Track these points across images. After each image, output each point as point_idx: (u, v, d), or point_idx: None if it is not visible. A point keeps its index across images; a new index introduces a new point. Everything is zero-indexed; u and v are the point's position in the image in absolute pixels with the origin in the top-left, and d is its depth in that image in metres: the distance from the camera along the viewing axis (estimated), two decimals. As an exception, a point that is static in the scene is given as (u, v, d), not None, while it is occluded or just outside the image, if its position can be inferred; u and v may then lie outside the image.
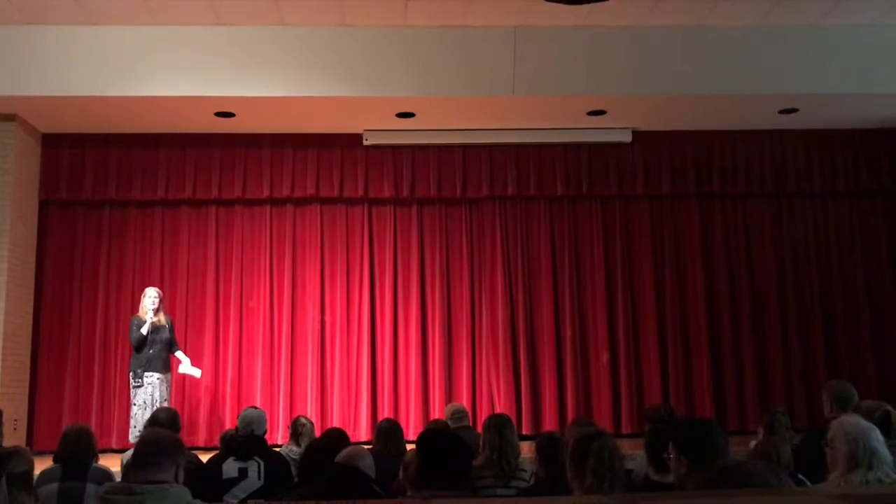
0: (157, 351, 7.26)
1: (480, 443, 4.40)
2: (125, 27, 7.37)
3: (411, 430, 7.67)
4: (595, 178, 8.83)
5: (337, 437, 4.23)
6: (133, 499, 2.78)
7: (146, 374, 7.16)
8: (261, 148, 8.63)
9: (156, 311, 7.32)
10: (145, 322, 7.23)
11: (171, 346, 7.44)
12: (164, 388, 7.25)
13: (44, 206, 8.49)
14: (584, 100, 7.89)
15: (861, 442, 3.05)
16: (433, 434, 3.05)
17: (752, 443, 5.31)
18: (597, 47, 7.64)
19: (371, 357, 8.55)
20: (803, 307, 8.83)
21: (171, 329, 7.51)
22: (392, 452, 4.71)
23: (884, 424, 3.76)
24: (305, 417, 5.97)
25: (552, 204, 8.94)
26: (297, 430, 5.67)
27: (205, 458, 4.86)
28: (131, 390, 7.23)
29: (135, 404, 7.15)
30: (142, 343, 7.20)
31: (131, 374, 7.25)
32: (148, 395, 7.13)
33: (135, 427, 7.01)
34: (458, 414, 6.00)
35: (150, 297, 7.35)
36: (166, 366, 7.36)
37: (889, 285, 8.89)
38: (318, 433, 5.67)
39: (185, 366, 7.53)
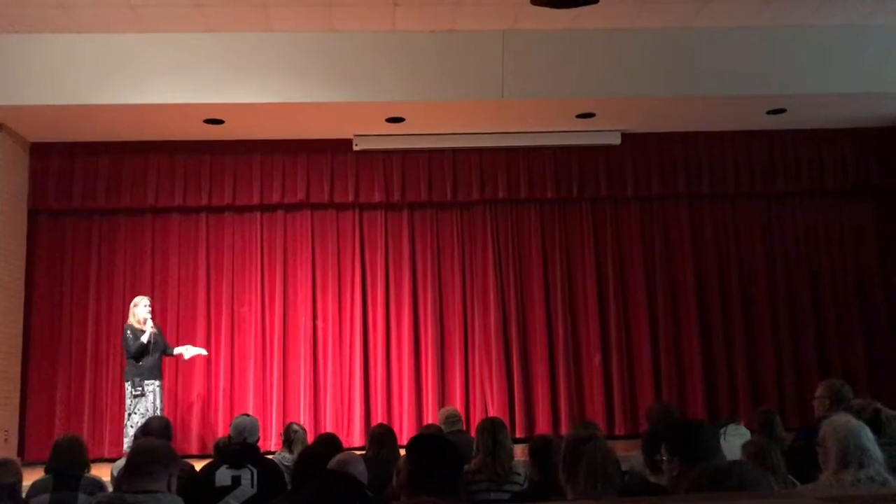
0: (155, 359, 7.28)
1: (474, 447, 4.40)
2: (113, 35, 7.35)
3: (405, 435, 7.65)
4: (585, 181, 8.85)
5: (329, 443, 4.22)
6: (125, 509, 2.78)
7: (146, 382, 7.16)
8: (250, 154, 8.61)
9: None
10: (143, 331, 7.22)
11: (165, 351, 7.45)
12: (161, 395, 7.28)
13: (33, 215, 8.45)
14: (574, 103, 7.91)
15: (852, 441, 3.06)
16: (423, 439, 3.04)
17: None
18: (585, 50, 7.66)
19: (364, 362, 8.54)
20: (793, 306, 8.87)
21: (162, 334, 7.51)
22: (385, 458, 4.70)
23: (874, 422, 3.77)
24: (298, 424, 5.96)
25: (543, 207, 8.95)
26: (289, 436, 5.66)
27: (198, 465, 4.85)
28: (129, 399, 7.18)
29: (136, 413, 7.11)
30: (142, 352, 7.19)
31: (129, 383, 7.20)
32: (149, 403, 7.13)
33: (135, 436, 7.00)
34: (452, 418, 6.00)
35: (145, 306, 7.35)
36: (161, 373, 7.38)
37: (878, 283, 8.94)
38: (311, 440, 5.67)
39: (190, 350, 7.56)
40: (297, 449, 5.25)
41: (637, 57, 7.66)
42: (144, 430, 5.16)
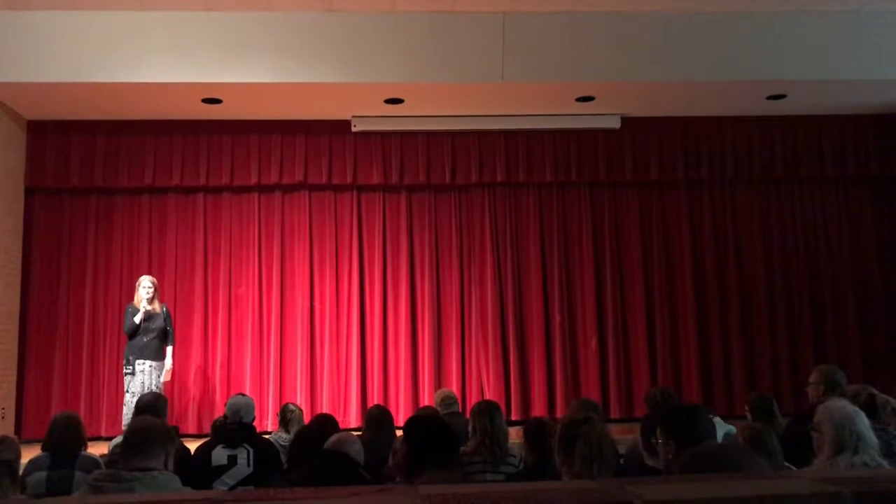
0: (149, 339, 7.26)
1: (470, 429, 4.41)
2: (111, 12, 7.30)
3: (401, 416, 7.67)
4: (584, 165, 8.83)
5: (325, 424, 4.24)
6: (122, 486, 2.78)
7: (138, 361, 7.17)
8: (248, 134, 8.58)
9: (150, 300, 7.32)
10: (139, 310, 7.22)
11: (165, 336, 7.43)
12: (155, 375, 7.25)
13: (30, 193, 8.43)
14: (573, 86, 7.88)
15: (847, 426, 3.07)
16: (419, 420, 3.06)
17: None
18: (585, 33, 7.62)
19: (360, 344, 8.55)
20: (791, 292, 8.89)
21: (168, 319, 7.49)
22: (382, 439, 4.71)
23: (868, 408, 3.79)
24: (294, 404, 5.98)
25: (541, 190, 8.94)
26: (285, 416, 5.68)
27: (195, 445, 4.86)
28: (124, 377, 7.22)
29: (127, 392, 7.15)
30: (134, 331, 7.20)
31: (125, 361, 7.24)
32: (139, 382, 7.13)
33: (127, 415, 7.01)
34: (448, 400, 6.01)
35: (143, 287, 7.34)
36: (159, 354, 7.34)
37: (875, 270, 8.95)
38: (307, 420, 5.68)
39: (166, 366, 7.48)
40: (294, 429, 5.27)
41: (637, 41, 7.63)
42: (137, 408, 5.17)
